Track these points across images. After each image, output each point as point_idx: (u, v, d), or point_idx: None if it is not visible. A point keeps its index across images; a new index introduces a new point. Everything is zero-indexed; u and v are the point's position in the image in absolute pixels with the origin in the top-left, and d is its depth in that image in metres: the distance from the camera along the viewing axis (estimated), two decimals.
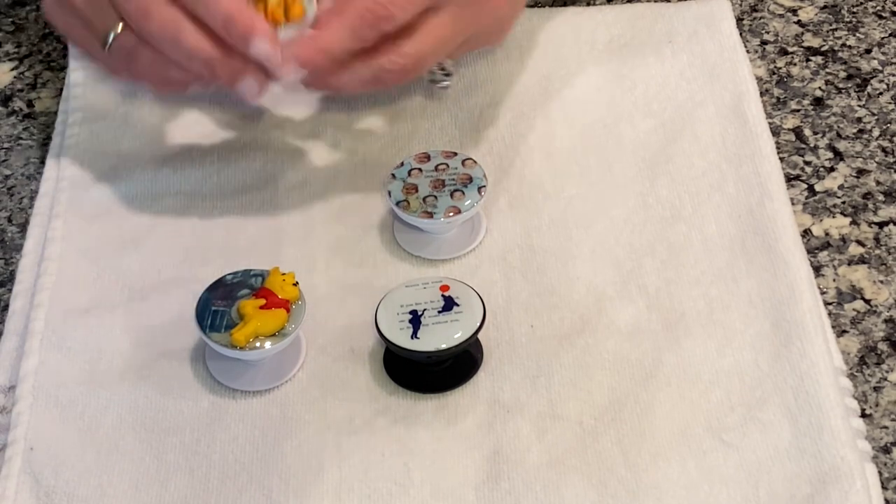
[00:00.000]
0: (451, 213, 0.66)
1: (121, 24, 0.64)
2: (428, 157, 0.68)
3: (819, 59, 0.77)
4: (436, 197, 0.66)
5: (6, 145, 0.74)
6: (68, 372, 0.62)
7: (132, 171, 0.71)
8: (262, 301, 0.60)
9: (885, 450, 0.60)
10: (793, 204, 0.69)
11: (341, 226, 0.68)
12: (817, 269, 0.67)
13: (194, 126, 0.73)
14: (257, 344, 0.60)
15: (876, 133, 0.73)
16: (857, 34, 0.78)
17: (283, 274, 0.62)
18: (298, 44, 0.62)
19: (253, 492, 0.58)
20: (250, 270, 0.62)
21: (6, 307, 0.66)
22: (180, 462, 0.59)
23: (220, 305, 0.61)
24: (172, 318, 0.64)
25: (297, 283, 0.62)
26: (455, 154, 0.68)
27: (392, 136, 0.72)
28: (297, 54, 0.62)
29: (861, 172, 0.71)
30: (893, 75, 0.76)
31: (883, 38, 0.77)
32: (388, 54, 0.63)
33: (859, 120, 0.73)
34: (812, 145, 0.72)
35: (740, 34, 0.76)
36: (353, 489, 0.58)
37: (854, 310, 0.65)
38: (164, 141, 0.72)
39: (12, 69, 0.78)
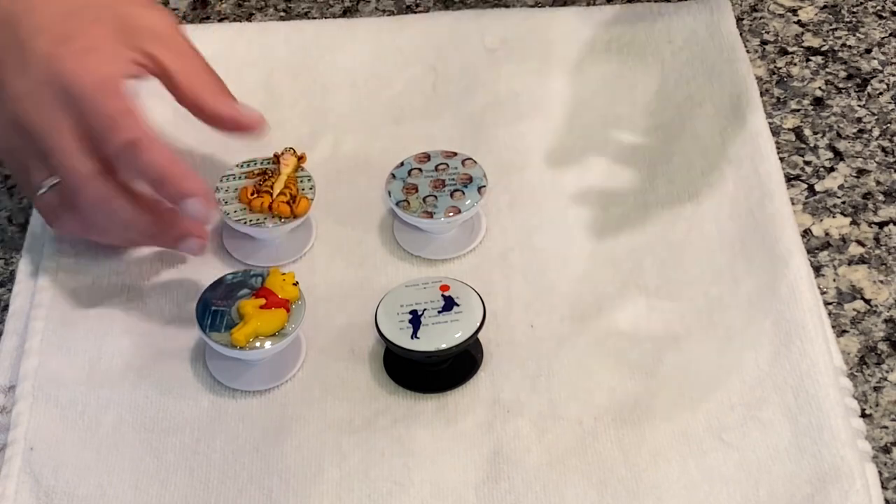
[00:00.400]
0: (452, 213, 0.66)
1: (53, 179, 0.62)
2: (428, 157, 0.68)
3: (819, 59, 0.77)
4: (436, 197, 0.66)
5: None
6: (68, 372, 0.62)
7: None
8: (263, 301, 0.60)
9: (885, 450, 0.60)
10: (793, 204, 0.69)
11: (341, 226, 0.68)
12: (817, 269, 0.67)
13: (193, 127, 0.73)
14: (257, 344, 0.60)
15: (876, 133, 0.73)
16: (857, 34, 0.78)
17: (283, 274, 0.62)
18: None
19: (253, 491, 0.58)
20: (250, 270, 0.62)
21: (6, 307, 0.66)
22: (180, 462, 0.59)
23: (220, 305, 0.61)
24: (172, 318, 0.64)
25: (296, 282, 0.62)
26: (455, 154, 0.68)
27: (392, 136, 0.72)
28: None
29: (861, 172, 0.71)
30: (893, 75, 0.76)
31: (883, 38, 0.77)
32: None
33: (859, 120, 0.73)
34: (812, 145, 0.72)
35: (740, 34, 0.76)
36: (353, 489, 0.58)
37: (854, 310, 0.65)
38: (164, 140, 0.72)
39: None
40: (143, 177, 0.61)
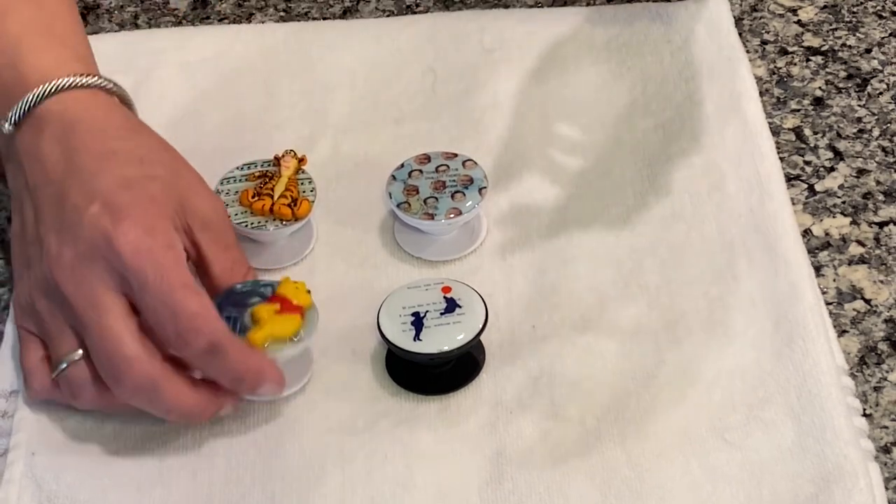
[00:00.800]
0: (452, 215, 0.66)
1: (80, 352, 0.57)
2: (428, 159, 0.68)
3: (819, 58, 0.77)
4: (436, 198, 0.66)
5: None
6: None
7: None
8: (277, 306, 0.60)
9: (886, 450, 0.60)
10: (793, 204, 0.69)
11: (342, 228, 0.68)
12: (817, 269, 0.67)
13: (193, 128, 0.73)
14: (276, 350, 0.59)
15: (876, 133, 0.73)
16: (857, 34, 0.78)
17: (295, 282, 0.61)
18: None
19: (256, 494, 0.58)
20: (259, 281, 0.62)
21: (6, 307, 0.66)
22: (182, 465, 0.59)
23: (230, 312, 0.60)
24: None
25: (309, 290, 0.61)
26: (455, 155, 0.68)
27: (392, 137, 0.72)
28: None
29: (861, 172, 0.71)
30: (893, 75, 0.76)
31: (883, 38, 0.77)
32: None
33: (859, 120, 0.73)
34: (812, 145, 0.73)
35: (740, 34, 0.76)
36: (357, 491, 0.58)
37: (854, 310, 0.65)
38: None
39: None
40: (219, 377, 0.57)
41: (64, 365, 0.58)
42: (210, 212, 0.60)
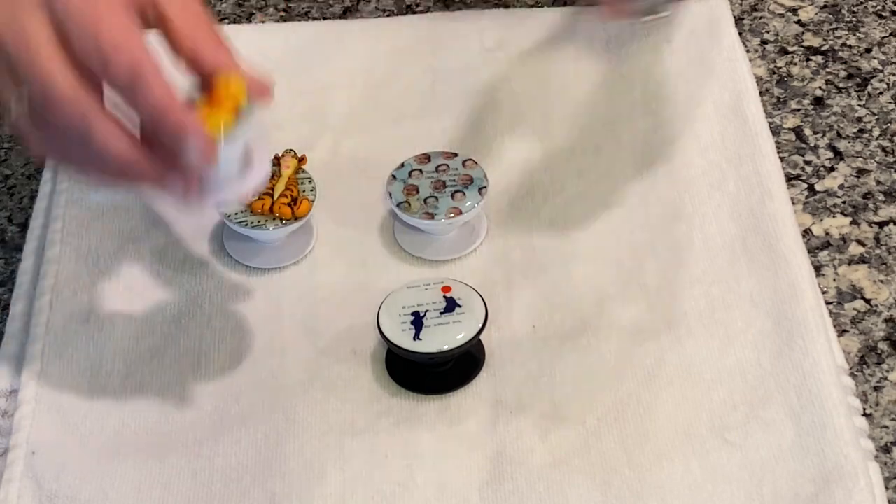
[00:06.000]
0: (453, 214, 0.66)
1: (21, 95, 0.55)
2: (428, 158, 0.68)
3: (819, 58, 0.77)
4: (437, 198, 0.66)
5: (6, 145, 0.74)
6: (70, 376, 0.62)
7: None
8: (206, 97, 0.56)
9: (886, 449, 0.60)
10: (793, 203, 0.69)
11: (342, 227, 0.68)
12: (818, 269, 0.67)
13: None
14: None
15: (876, 133, 0.73)
16: (858, 34, 0.78)
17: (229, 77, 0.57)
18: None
19: (256, 494, 0.58)
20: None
21: (6, 307, 0.66)
22: (182, 465, 0.59)
23: None
24: (174, 321, 0.64)
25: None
26: (455, 155, 0.68)
27: (392, 136, 0.72)
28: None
29: (861, 172, 0.71)
30: (893, 75, 0.76)
31: (883, 38, 0.77)
32: None
33: (859, 119, 0.74)
34: (812, 145, 0.73)
35: (740, 34, 0.76)
36: (357, 491, 0.58)
37: (854, 309, 0.65)
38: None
39: None
40: (140, 107, 0.54)
41: (14, 108, 0.55)
42: None
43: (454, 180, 0.67)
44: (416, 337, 0.60)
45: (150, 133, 0.55)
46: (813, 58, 0.77)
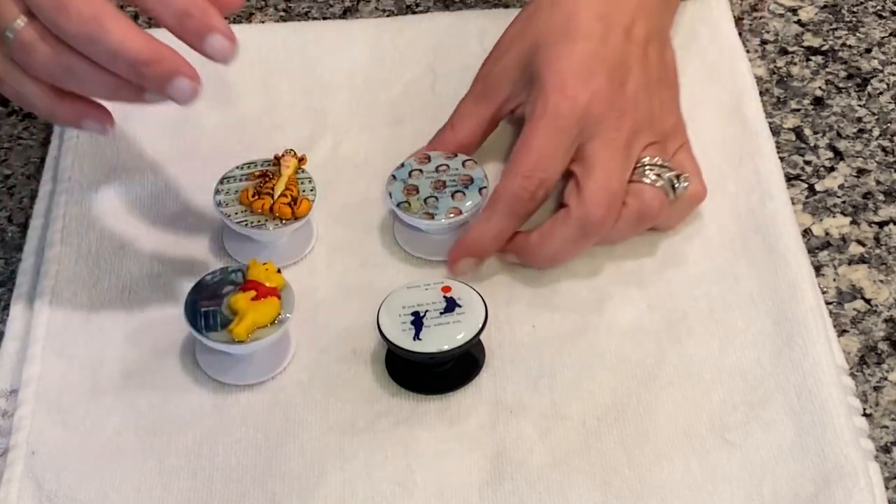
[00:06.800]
0: (453, 214, 0.66)
1: (24, 18, 0.55)
2: (428, 158, 0.68)
3: (819, 58, 0.77)
4: (437, 198, 0.66)
5: (6, 145, 0.74)
6: (70, 377, 0.62)
7: (131, 172, 0.70)
8: (253, 293, 0.60)
9: (886, 449, 0.60)
10: (793, 203, 0.69)
11: (342, 227, 0.68)
12: (817, 269, 0.67)
13: (193, 128, 0.73)
14: (257, 336, 0.60)
15: (876, 133, 0.73)
16: (857, 34, 0.78)
17: (263, 263, 0.61)
18: (462, 246, 0.64)
19: (256, 494, 0.58)
20: (227, 267, 0.62)
21: (6, 307, 0.66)
22: (182, 465, 0.59)
23: (207, 306, 0.60)
24: (173, 321, 0.64)
25: (279, 269, 0.61)
26: (455, 155, 0.68)
27: (392, 137, 0.72)
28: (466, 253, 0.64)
29: (861, 172, 0.71)
30: (893, 75, 0.76)
31: (883, 38, 0.77)
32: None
33: (859, 119, 0.74)
34: (812, 145, 0.73)
35: (740, 34, 0.76)
36: (357, 491, 0.58)
37: (854, 309, 0.65)
38: (164, 142, 0.72)
39: None
40: (161, 10, 0.54)
41: (11, 34, 0.55)
42: None
43: (454, 180, 0.67)
44: (416, 337, 0.60)
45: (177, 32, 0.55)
46: (813, 58, 0.77)
